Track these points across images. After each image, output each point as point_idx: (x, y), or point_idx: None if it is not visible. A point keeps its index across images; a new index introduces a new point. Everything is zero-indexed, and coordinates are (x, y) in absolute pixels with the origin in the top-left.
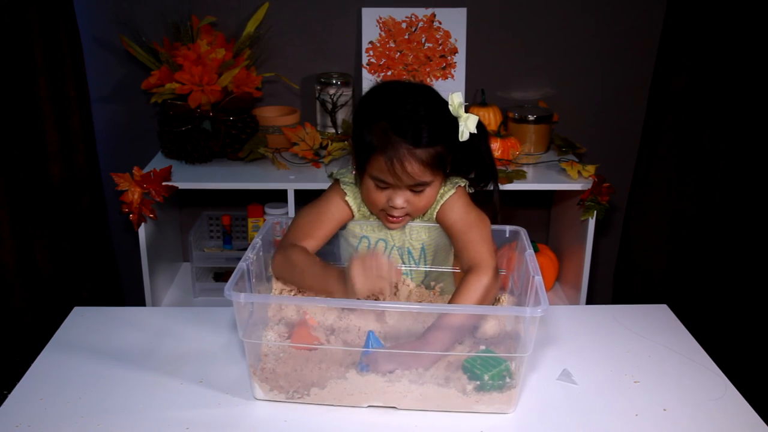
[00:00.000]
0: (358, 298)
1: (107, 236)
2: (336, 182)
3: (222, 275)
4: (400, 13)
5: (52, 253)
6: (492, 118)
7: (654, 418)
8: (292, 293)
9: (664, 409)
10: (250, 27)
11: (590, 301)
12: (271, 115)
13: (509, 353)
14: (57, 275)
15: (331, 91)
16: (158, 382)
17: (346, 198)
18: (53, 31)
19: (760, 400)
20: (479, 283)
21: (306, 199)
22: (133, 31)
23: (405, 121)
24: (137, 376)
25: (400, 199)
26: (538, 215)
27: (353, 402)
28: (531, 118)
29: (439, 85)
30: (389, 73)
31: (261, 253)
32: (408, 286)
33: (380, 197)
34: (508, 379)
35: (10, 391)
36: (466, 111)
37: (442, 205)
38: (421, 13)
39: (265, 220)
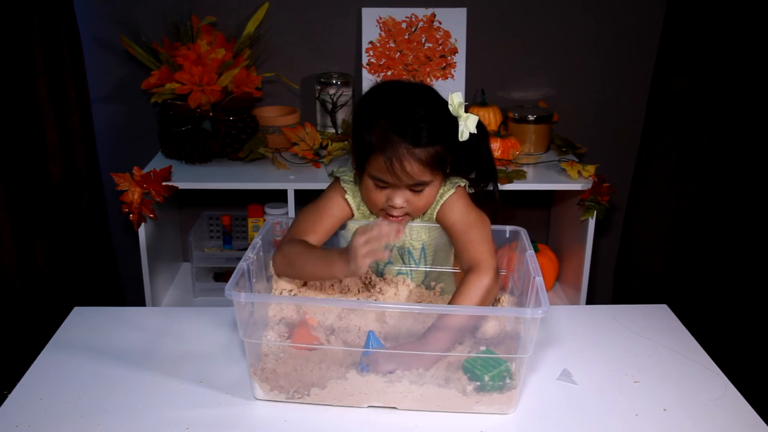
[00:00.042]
0: (361, 270)
1: (107, 236)
2: (336, 180)
3: (222, 275)
4: (400, 13)
5: (52, 253)
6: (492, 118)
7: (654, 418)
8: (293, 293)
9: (664, 409)
10: (250, 27)
11: (590, 301)
12: (271, 115)
13: (509, 354)
14: (57, 275)
15: (331, 91)
16: (158, 382)
17: (346, 196)
18: (53, 31)
19: (760, 400)
20: (480, 283)
21: (306, 199)
22: (133, 31)
23: (404, 121)
24: (137, 376)
25: (400, 199)
26: (538, 215)
27: (353, 402)
28: (531, 118)
29: (439, 85)
30: (389, 73)
31: (261, 253)
32: (408, 286)
33: (380, 197)
34: (508, 380)
35: (10, 391)
36: (466, 111)
37: (442, 205)
38: (421, 13)
39: (265, 220)
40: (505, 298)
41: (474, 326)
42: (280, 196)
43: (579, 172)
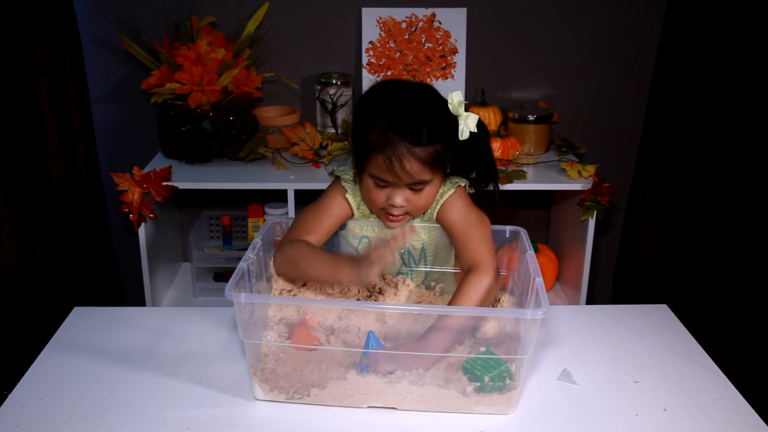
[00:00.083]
0: (369, 278)
1: (107, 236)
2: (337, 179)
3: (222, 275)
4: (400, 13)
5: (52, 253)
6: (492, 118)
7: (654, 418)
8: (292, 293)
9: (664, 409)
10: (250, 27)
11: (590, 301)
12: (271, 115)
13: (509, 354)
14: (57, 275)
15: (331, 91)
16: (158, 382)
17: (347, 195)
18: (53, 31)
19: (760, 400)
20: (480, 283)
21: (306, 199)
22: (133, 31)
23: (404, 120)
24: (137, 376)
25: (400, 198)
26: (538, 215)
27: (353, 403)
28: (531, 118)
29: (439, 85)
30: (389, 73)
31: (261, 253)
32: (408, 286)
33: (380, 196)
34: (508, 381)
35: (10, 391)
36: (466, 110)
37: (442, 205)
38: (421, 13)
39: (265, 220)
40: (505, 299)
41: (474, 327)
42: (280, 196)
43: (579, 172)
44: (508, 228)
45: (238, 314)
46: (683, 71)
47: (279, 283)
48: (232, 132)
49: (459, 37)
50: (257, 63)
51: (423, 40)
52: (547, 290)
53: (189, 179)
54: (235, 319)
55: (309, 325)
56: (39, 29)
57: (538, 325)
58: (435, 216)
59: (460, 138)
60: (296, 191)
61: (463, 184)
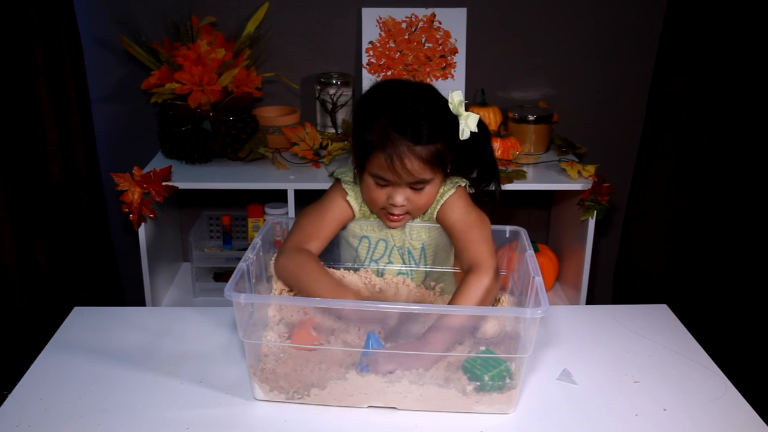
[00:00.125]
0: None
1: (107, 236)
2: (337, 182)
3: (222, 275)
4: (400, 13)
5: (52, 253)
6: (492, 118)
7: (654, 418)
8: (292, 293)
9: (664, 409)
10: (250, 27)
11: (590, 301)
12: (271, 115)
13: (509, 354)
14: (57, 275)
15: (331, 91)
16: (158, 382)
17: (348, 198)
18: (53, 31)
19: (760, 400)
20: (479, 283)
21: (306, 199)
22: (133, 31)
23: (405, 119)
24: (137, 376)
25: (400, 197)
26: (538, 215)
27: (353, 402)
28: (531, 118)
29: (439, 85)
30: (389, 73)
31: (261, 254)
32: (408, 286)
33: (380, 195)
34: (508, 380)
35: (10, 391)
36: (466, 110)
37: (442, 205)
38: (421, 13)
39: (265, 220)
40: (505, 298)
41: (474, 326)
42: (280, 196)
43: (579, 172)
44: (508, 228)
45: (238, 314)
46: (683, 71)
47: (279, 284)
48: (232, 132)
49: (459, 37)
50: (257, 63)
51: (423, 40)
52: (547, 290)
53: (189, 179)
54: (234, 319)
55: (309, 325)
56: (39, 29)
57: (537, 324)
58: (435, 216)
59: (461, 138)
60: (296, 191)
61: (463, 184)
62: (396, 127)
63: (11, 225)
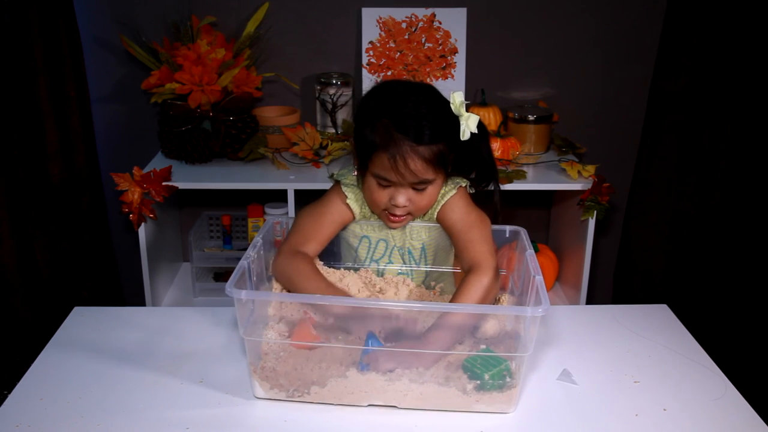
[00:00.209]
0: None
1: (107, 236)
2: (337, 184)
3: (222, 275)
4: (400, 13)
5: (52, 253)
6: (492, 118)
7: (654, 418)
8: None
9: (664, 409)
10: (250, 27)
11: (590, 301)
12: (271, 115)
13: (509, 353)
14: (57, 275)
15: (331, 91)
16: (158, 382)
17: (348, 201)
18: (53, 31)
19: (760, 400)
20: (480, 283)
21: (306, 199)
22: (133, 31)
23: (407, 119)
24: (137, 376)
25: (403, 198)
26: (538, 215)
27: (353, 401)
28: (531, 118)
29: (439, 85)
30: (389, 73)
31: (262, 252)
32: (408, 286)
33: (382, 196)
34: (508, 379)
35: (10, 391)
36: (467, 110)
37: (442, 205)
38: (421, 13)
39: (265, 220)
40: (505, 298)
41: (474, 325)
42: (280, 196)
43: (579, 172)
44: (508, 228)
45: (239, 311)
46: (683, 71)
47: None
48: (232, 132)
49: (459, 37)
50: (257, 63)
51: (423, 40)
52: (547, 290)
53: (189, 179)
54: (235, 318)
55: (309, 323)
56: (39, 29)
57: (538, 323)
58: (435, 216)
59: (462, 138)
60: (296, 191)
61: (464, 185)
62: (398, 127)
63: (11, 225)
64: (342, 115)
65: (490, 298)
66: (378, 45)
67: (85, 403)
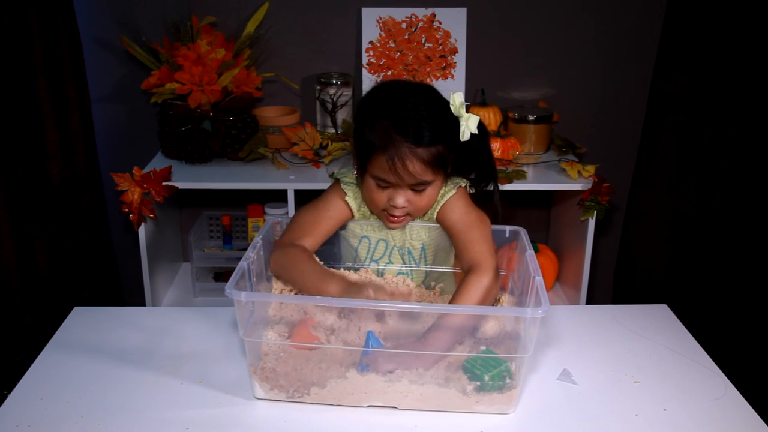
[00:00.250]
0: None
1: (107, 236)
2: (337, 182)
3: (222, 275)
4: (400, 13)
5: (52, 253)
6: (492, 118)
7: (654, 418)
8: (293, 293)
9: (664, 409)
10: (250, 27)
11: (590, 301)
12: (271, 115)
13: (509, 354)
14: (57, 275)
15: (331, 91)
16: (158, 382)
17: (347, 198)
18: (53, 31)
19: (760, 400)
20: (479, 283)
21: (306, 199)
22: (133, 31)
23: (406, 120)
24: (137, 376)
25: (402, 199)
26: (538, 215)
27: (353, 402)
28: (531, 118)
29: (439, 85)
30: (389, 73)
31: (262, 253)
32: (408, 286)
33: (381, 197)
34: (508, 380)
35: (10, 391)
36: (467, 111)
37: (442, 206)
38: (421, 13)
39: (265, 220)
40: (505, 298)
41: (474, 326)
42: (280, 196)
43: (579, 172)
44: (508, 228)
45: (239, 313)
46: (683, 71)
47: (279, 283)
48: (232, 132)
49: (459, 37)
50: (257, 63)
51: (423, 40)
52: (547, 290)
53: (189, 179)
54: (235, 318)
55: (309, 324)
56: (39, 29)
57: (538, 324)
58: (435, 216)
59: (462, 139)
60: (296, 191)
61: (463, 185)
62: (397, 128)
63: (11, 225)
64: (342, 115)
65: (490, 298)
66: (378, 45)
67: (85, 403)
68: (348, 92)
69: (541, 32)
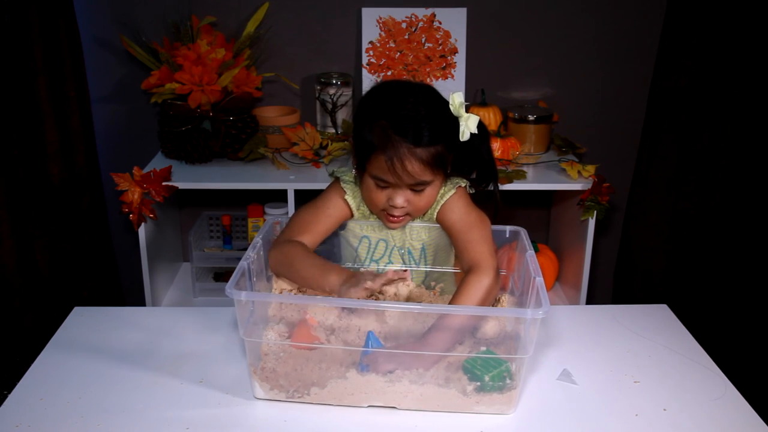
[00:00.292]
0: (350, 295)
1: (107, 236)
2: (336, 180)
3: (222, 275)
4: (400, 13)
5: (52, 253)
6: (492, 118)
7: (654, 418)
8: (293, 293)
9: (664, 409)
10: (250, 27)
11: (590, 301)
12: (271, 115)
13: (509, 354)
14: (57, 275)
15: (331, 91)
16: (158, 382)
17: (346, 197)
18: (53, 31)
19: (760, 400)
20: (480, 283)
21: (306, 199)
22: (133, 31)
23: (406, 120)
24: (137, 376)
25: (401, 199)
26: (538, 215)
27: (353, 402)
28: (531, 118)
29: (439, 85)
30: (389, 73)
31: (262, 253)
32: (408, 286)
33: (380, 197)
34: (508, 380)
35: (10, 391)
36: (467, 111)
37: (442, 206)
38: (421, 13)
39: (265, 220)
40: (505, 298)
41: (474, 326)
42: (280, 196)
43: (579, 172)
44: (508, 228)
45: (239, 312)
46: (683, 71)
47: (279, 283)
48: (232, 132)
49: (459, 37)
50: (257, 63)
51: (423, 40)
52: (547, 290)
53: (189, 179)
54: (235, 318)
55: (309, 324)
56: (39, 29)
57: (538, 325)
58: (435, 216)
59: (461, 139)
60: (296, 191)
61: (463, 185)
62: (397, 129)
63: (11, 225)
64: (342, 115)
65: (490, 298)
66: (378, 45)
67: (85, 403)
68: (348, 92)
69: (541, 32)
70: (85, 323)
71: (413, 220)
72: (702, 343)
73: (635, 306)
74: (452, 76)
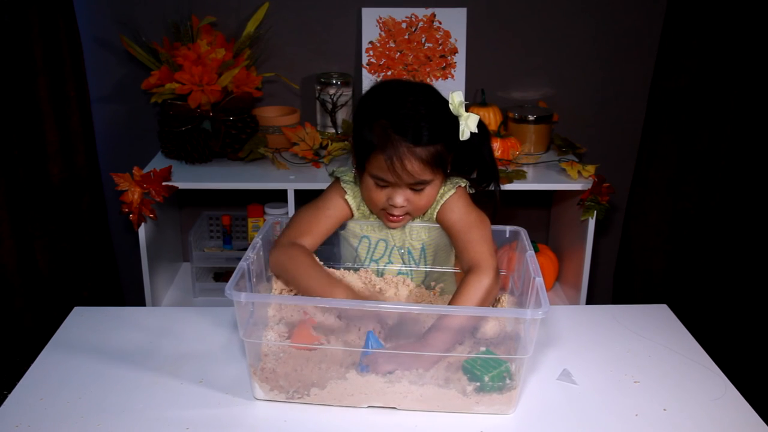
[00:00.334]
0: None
1: (107, 236)
2: (336, 180)
3: (222, 275)
4: (400, 13)
5: (52, 253)
6: (492, 118)
7: (654, 418)
8: (293, 293)
9: (664, 409)
10: (250, 27)
11: (590, 301)
12: (271, 115)
13: (509, 354)
14: (57, 275)
15: (331, 91)
16: (158, 382)
17: (346, 197)
18: (53, 31)
19: (760, 400)
20: (480, 283)
21: (306, 199)
22: (133, 31)
23: (405, 120)
24: (137, 376)
25: (400, 198)
26: (538, 215)
27: (353, 402)
28: (531, 118)
29: (439, 85)
30: (389, 73)
31: (261, 253)
32: (408, 286)
33: (380, 196)
34: (508, 381)
35: (10, 391)
36: (467, 110)
37: (442, 205)
38: (421, 13)
39: (265, 220)
40: (505, 298)
41: (474, 327)
42: (280, 196)
43: (579, 172)
44: (508, 228)
45: (239, 313)
46: (683, 71)
47: (279, 283)
48: (232, 132)
49: (459, 37)
50: (257, 63)
51: (423, 40)
52: (547, 290)
53: (189, 179)
54: (235, 318)
55: (309, 324)
56: (39, 29)
57: (538, 325)
58: (435, 216)
59: (461, 138)
60: (296, 191)
61: (463, 185)
62: (396, 128)
63: (11, 225)
64: (342, 115)
65: (490, 298)
66: (378, 45)
67: (85, 403)
68: (348, 92)
69: (541, 32)
70: (85, 323)
71: (413, 219)
72: (702, 343)
73: (635, 306)
74: (452, 76)
